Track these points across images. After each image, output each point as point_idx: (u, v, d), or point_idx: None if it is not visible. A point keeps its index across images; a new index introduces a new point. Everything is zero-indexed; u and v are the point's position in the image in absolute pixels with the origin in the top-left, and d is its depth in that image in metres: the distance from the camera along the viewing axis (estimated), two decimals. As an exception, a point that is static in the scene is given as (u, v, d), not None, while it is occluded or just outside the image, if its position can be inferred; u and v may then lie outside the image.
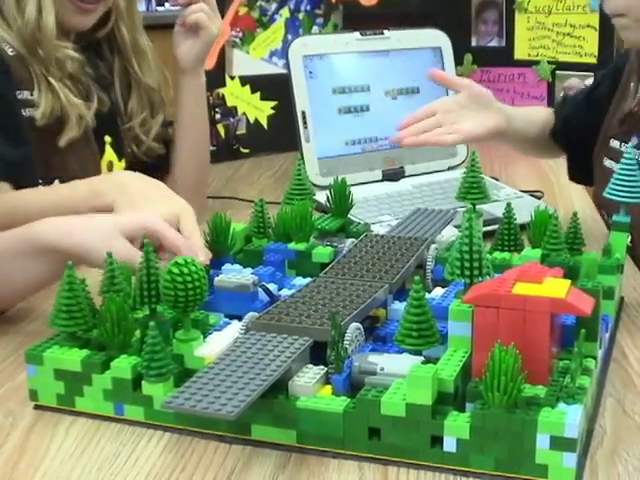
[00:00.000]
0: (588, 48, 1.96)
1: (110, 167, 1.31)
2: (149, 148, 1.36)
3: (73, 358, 0.81)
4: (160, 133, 1.39)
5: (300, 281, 0.99)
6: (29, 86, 1.19)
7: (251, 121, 1.78)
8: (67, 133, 1.21)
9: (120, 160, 1.33)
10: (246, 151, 1.80)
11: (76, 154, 1.25)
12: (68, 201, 1.06)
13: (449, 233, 1.08)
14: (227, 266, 1.00)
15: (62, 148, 1.22)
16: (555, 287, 0.73)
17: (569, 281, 0.75)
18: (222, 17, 1.71)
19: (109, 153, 1.30)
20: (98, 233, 0.95)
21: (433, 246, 1.00)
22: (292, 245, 1.04)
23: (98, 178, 1.12)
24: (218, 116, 1.74)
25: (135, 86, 1.35)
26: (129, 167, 1.34)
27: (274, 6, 1.80)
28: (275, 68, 1.79)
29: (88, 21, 1.28)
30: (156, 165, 1.41)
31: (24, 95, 1.18)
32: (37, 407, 0.83)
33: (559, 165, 1.78)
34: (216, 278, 0.94)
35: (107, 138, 1.31)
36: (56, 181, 1.22)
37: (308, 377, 0.76)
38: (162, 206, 1.02)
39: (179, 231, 0.99)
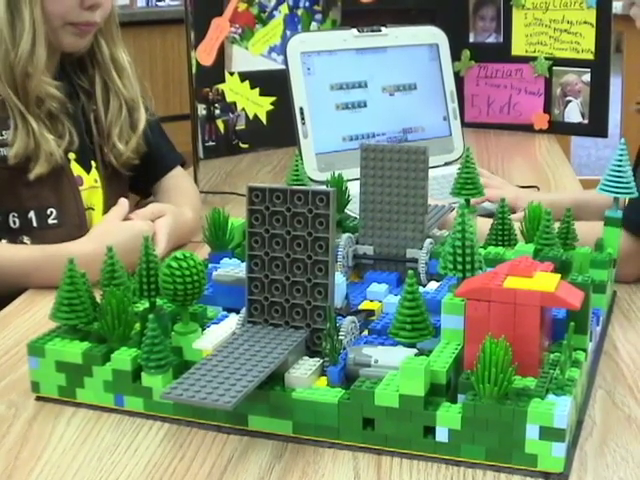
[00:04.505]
0: (585, 44, 1.97)
1: (80, 182, 1.29)
2: (127, 158, 1.35)
3: (74, 350, 0.82)
4: (138, 145, 1.37)
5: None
6: (3, 125, 1.19)
7: (250, 117, 1.78)
8: (36, 169, 1.21)
9: (89, 173, 1.31)
10: (245, 146, 1.81)
11: (49, 184, 1.24)
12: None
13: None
14: (225, 260, 1.02)
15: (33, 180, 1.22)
16: (545, 281, 0.75)
17: (559, 275, 0.77)
18: (221, 13, 1.73)
19: (76, 168, 1.29)
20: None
21: (428, 240, 1.02)
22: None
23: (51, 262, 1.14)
24: (217, 112, 1.74)
25: (114, 97, 1.33)
26: (105, 180, 1.33)
27: (273, 2, 1.80)
28: (274, 64, 1.80)
29: (83, 43, 1.28)
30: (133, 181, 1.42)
31: None
32: (39, 398, 0.84)
33: (555, 160, 1.80)
34: (214, 272, 0.96)
35: (71, 155, 1.28)
36: (31, 212, 1.23)
37: (304, 369, 0.77)
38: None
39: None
